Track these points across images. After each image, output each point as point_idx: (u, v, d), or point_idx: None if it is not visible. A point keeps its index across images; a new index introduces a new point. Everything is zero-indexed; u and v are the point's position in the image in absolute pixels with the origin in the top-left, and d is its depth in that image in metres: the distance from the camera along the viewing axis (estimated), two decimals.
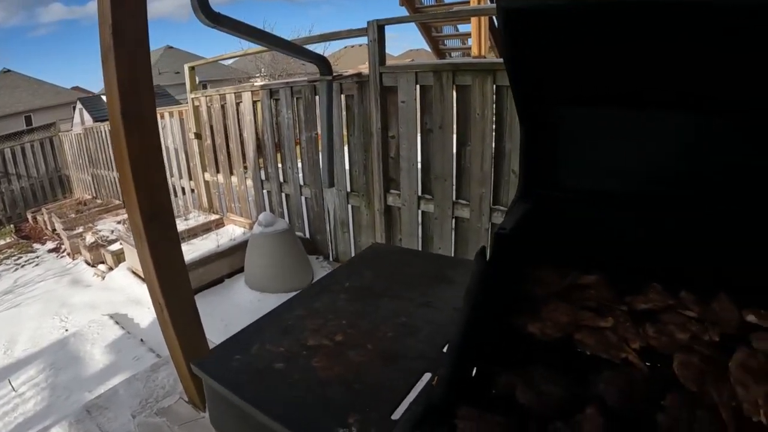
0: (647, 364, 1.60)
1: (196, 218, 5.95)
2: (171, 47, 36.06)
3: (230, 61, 28.41)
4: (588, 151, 2.10)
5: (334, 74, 4.43)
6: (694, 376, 1.47)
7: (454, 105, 3.99)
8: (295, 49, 4.22)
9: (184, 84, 6.07)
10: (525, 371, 1.37)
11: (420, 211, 4.54)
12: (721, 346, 1.71)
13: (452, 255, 4.23)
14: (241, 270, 4.86)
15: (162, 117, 6.70)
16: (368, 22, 4.07)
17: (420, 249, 4.68)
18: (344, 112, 4.67)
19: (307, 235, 5.39)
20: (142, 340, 3.98)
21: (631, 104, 1.97)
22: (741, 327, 1.84)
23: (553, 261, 1.97)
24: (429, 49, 9.98)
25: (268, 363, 1.58)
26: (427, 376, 1.47)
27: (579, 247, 2.03)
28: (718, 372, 1.53)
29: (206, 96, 5.85)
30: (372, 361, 1.60)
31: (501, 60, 4.18)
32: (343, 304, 1.92)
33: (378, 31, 4.09)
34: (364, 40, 4.20)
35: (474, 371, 1.40)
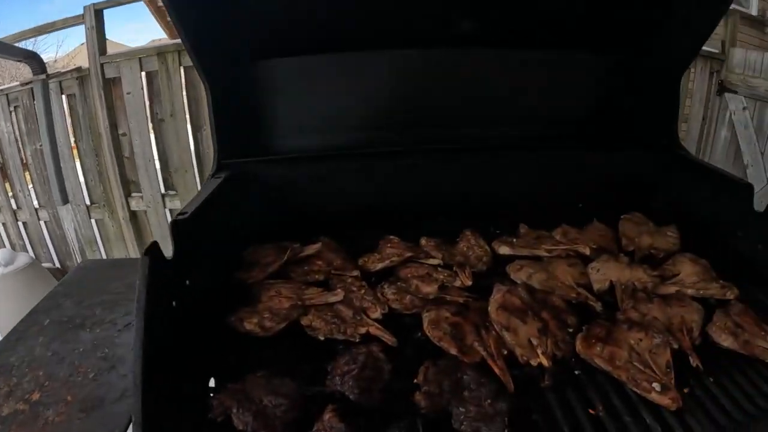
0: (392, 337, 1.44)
1: None
2: None
3: None
4: (301, 106, 1.96)
5: (49, 72, 3.85)
6: (451, 333, 1.38)
7: (184, 89, 3.82)
8: None
9: None
10: (243, 384, 1.16)
11: (167, 210, 4.28)
12: (477, 287, 1.65)
13: None
14: None
15: None
16: (84, 7, 3.64)
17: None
18: (68, 115, 4.13)
19: (57, 264, 4.78)
20: None
21: (343, 48, 1.91)
22: (496, 261, 1.82)
23: (270, 237, 1.75)
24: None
25: None
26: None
27: (298, 214, 1.86)
28: (478, 319, 1.43)
29: None
30: (71, 418, 1.34)
31: None
32: (41, 350, 1.65)
33: (96, 16, 3.68)
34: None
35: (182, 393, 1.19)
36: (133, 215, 4.34)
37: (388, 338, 1.42)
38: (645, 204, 2.26)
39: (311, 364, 1.32)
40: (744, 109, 5.47)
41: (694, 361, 1.37)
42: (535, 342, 1.39)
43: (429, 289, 1.63)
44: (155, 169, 4.15)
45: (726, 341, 1.45)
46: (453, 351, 1.33)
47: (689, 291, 1.65)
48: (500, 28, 1.98)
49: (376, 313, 1.51)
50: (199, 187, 4.03)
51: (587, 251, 1.82)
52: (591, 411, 1.24)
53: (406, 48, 1.95)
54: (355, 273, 1.70)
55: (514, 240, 1.89)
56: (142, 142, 4.07)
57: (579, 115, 2.27)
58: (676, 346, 1.42)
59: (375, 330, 1.44)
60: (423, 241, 1.86)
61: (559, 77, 2.19)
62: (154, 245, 1.14)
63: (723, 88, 5.57)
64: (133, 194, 4.29)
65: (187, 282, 1.33)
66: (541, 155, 2.10)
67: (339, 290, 1.57)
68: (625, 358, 1.34)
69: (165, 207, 4.25)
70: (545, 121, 2.22)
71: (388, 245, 1.83)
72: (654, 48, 2.17)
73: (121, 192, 4.25)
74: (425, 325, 1.43)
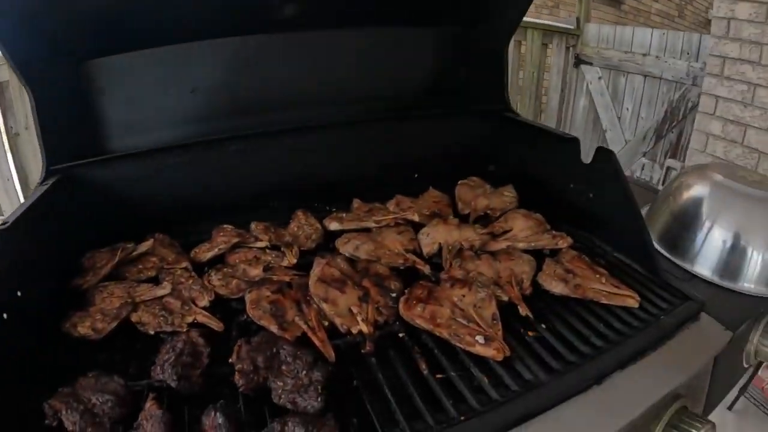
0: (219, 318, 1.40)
1: None
2: None
3: None
4: (128, 104, 1.82)
5: None
6: (271, 312, 1.34)
7: None
8: None
9: None
10: (73, 387, 1.11)
11: None
12: (306, 265, 1.54)
13: None
14: None
15: None
16: None
17: None
18: None
19: None
20: None
21: (167, 41, 1.80)
22: (328, 238, 1.73)
23: (108, 240, 1.67)
24: None
25: None
26: None
27: (133, 214, 1.78)
28: (300, 295, 1.43)
29: None
30: None
31: None
32: None
33: None
34: None
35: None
36: None
37: (214, 324, 1.36)
38: (484, 169, 2.26)
39: (140, 359, 1.27)
40: (599, 78, 5.74)
41: (523, 311, 1.35)
42: (355, 310, 1.33)
43: (256, 272, 1.57)
44: (15, 188, 3.70)
45: (557, 287, 1.44)
46: (273, 328, 1.28)
47: (520, 245, 1.63)
48: (327, 10, 1.93)
49: (204, 301, 1.45)
50: None
51: (415, 218, 1.76)
52: (421, 368, 1.20)
53: (230, 36, 1.87)
54: (184, 265, 1.62)
55: (344, 215, 1.81)
56: None
57: (414, 89, 2.26)
58: (506, 299, 1.40)
59: (202, 318, 1.38)
60: (253, 226, 1.77)
61: (390, 54, 2.16)
62: None
63: (579, 61, 5.82)
64: None
65: (19, 293, 1.24)
66: (377, 130, 2.03)
67: (166, 283, 1.50)
68: (447, 315, 1.29)
69: None
70: (379, 99, 2.18)
71: (221, 234, 1.74)
72: (479, 20, 2.19)
73: None
74: (247, 306, 1.36)
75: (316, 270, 1.46)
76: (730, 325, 1.38)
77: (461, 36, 2.24)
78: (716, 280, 1.61)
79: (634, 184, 2.30)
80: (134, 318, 1.39)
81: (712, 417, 1.37)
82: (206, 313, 1.40)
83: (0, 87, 3.44)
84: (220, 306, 1.48)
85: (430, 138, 2.12)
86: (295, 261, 1.62)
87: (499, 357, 1.18)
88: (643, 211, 1.93)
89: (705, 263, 1.65)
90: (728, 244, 1.62)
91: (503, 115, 2.16)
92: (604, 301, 1.40)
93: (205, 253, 1.68)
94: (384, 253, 1.59)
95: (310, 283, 1.43)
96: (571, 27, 5.72)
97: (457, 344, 1.23)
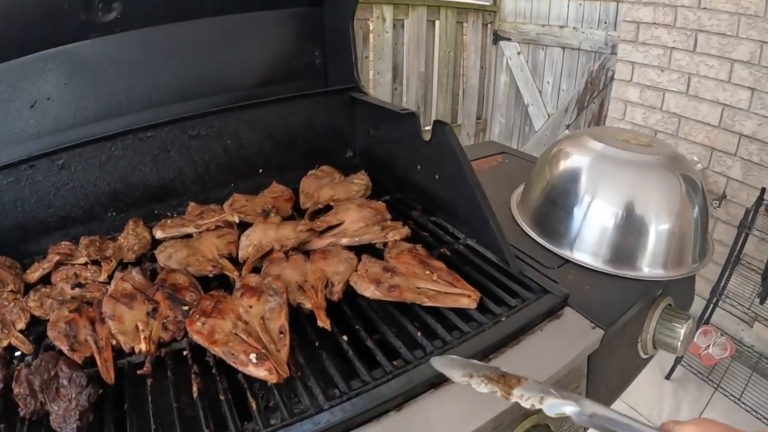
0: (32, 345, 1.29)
1: None
2: None
3: None
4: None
5: None
6: (65, 332, 1.25)
7: None
8: None
9: None
10: None
11: None
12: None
13: None
14: None
15: None
16: None
17: None
18: None
19: None
20: None
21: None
22: (155, 246, 1.56)
23: None
24: None
25: None
26: None
27: None
28: (96, 314, 1.31)
29: None
30: None
31: None
32: None
33: None
34: None
35: None
36: None
37: (24, 347, 1.29)
38: (341, 155, 2.15)
39: None
40: (518, 54, 5.69)
41: (320, 321, 1.21)
42: (141, 327, 1.22)
43: (74, 291, 1.47)
44: None
45: (366, 291, 1.29)
46: (65, 349, 1.20)
47: (344, 240, 1.50)
48: (154, 6, 1.83)
49: (21, 324, 1.38)
50: None
51: (235, 219, 1.61)
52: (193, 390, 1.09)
53: (59, 45, 1.78)
54: (10, 288, 1.51)
55: (170, 221, 1.67)
56: None
57: (260, 77, 2.14)
58: (309, 306, 1.27)
59: (15, 341, 1.31)
60: (81, 241, 1.65)
61: (230, 43, 2.05)
62: None
63: (498, 37, 5.75)
64: None
65: None
66: (212, 124, 1.89)
67: None
68: (227, 330, 1.16)
69: None
70: (222, 92, 2.05)
71: (55, 251, 1.64)
72: (328, 3, 2.11)
73: None
74: (48, 327, 1.27)
75: (111, 285, 1.35)
76: (604, 321, 1.24)
77: (308, 16, 2.14)
78: (598, 265, 1.46)
79: (526, 159, 2.23)
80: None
81: (648, 388, 1.25)
82: (20, 336, 1.33)
83: None
84: (38, 327, 1.38)
85: (269, 128, 1.98)
86: (106, 276, 1.51)
87: (273, 379, 1.05)
88: (520, 188, 1.83)
89: (584, 247, 1.50)
90: (612, 223, 1.46)
91: (352, 96, 2.03)
92: (428, 303, 1.24)
93: (32, 273, 1.58)
94: (195, 260, 1.45)
95: (104, 299, 1.31)
96: (488, 3, 5.64)
97: (232, 363, 1.10)
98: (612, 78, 4.87)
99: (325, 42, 2.21)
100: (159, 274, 1.41)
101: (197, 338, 1.17)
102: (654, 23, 3.91)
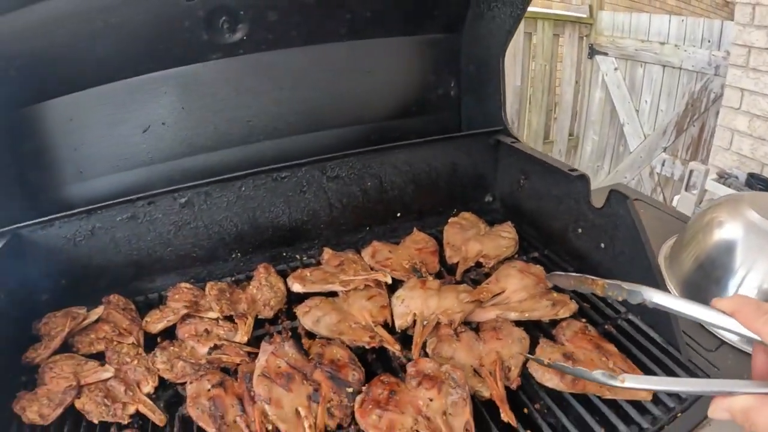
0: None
1: None
2: None
3: None
4: (77, 150, 1.69)
5: None
6: (210, 411, 1.16)
7: None
8: None
9: None
10: None
11: None
12: (260, 338, 1.36)
13: None
14: None
15: None
16: None
17: None
18: None
19: None
20: None
21: (115, 78, 1.64)
22: (291, 300, 1.55)
23: (57, 303, 1.52)
24: None
25: None
26: None
27: (85, 273, 1.62)
28: (243, 390, 1.21)
29: None
30: None
31: None
32: None
33: None
34: None
35: None
36: None
37: (156, 417, 1.20)
38: (480, 200, 2.02)
39: None
40: (615, 69, 5.45)
41: (504, 416, 1.08)
42: (302, 413, 1.10)
43: (204, 350, 1.36)
44: None
45: (549, 382, 1.16)
46: (211, 431, 1.11)
47: (512, 315, 1.35)
48: (283, 28, 1.74)
49: (148, 387, 1.29)
50: None
51: (388, 279, 1.48)
52: None
53: (179, 66, 1.71)
54: (131, 340, 1.43)
55: (309, 273, 1.54)
56: None
57: (393, 110, 2.03)
58: (487, 395, 1.14)
59: (143, 408, 1.22)
60: (207, 288, 1.53)
61: (367, 70, 1.95)
62: None
63: (594, 51, 5.52)
64: None
65: None
66: (351, 164, 1.77)
67: (107, 365, 1.33)
68: (408, 427, 1.04)
69: None
70: (354, 124, 1.97)
71: (175, 295, 1.53)
72: (462, 26, 1.98)
73: None
74: (187, 402, 1.19)
75: (261, 360, 1.22)
76: None
77: (446, 44, 2.00)
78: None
79: (656, 207, 2.05)
80: (78, 405, 1.25)
81: None
82: (149, 403, 1.25)
83: None
84: (166, 391, 1.32)
85: (413, 170, 1.86)
86: (247, 338, 1.39)
87: None
88: (666, 247, 1.68)
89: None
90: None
91: (498, 139, 1.87)
92: (609, 396, 1.13)
93: (155, 323, 1.47)
94: (348, 327, 1.33)
95: (254, 377, 1.19)
96: (584, 15, 5.42)
97: None
98: (714, 100, 4.60)
99: (460, 72, 2.07)
100: (312, 347, 1.29)
101: None
102: (767, 48, 3.64)
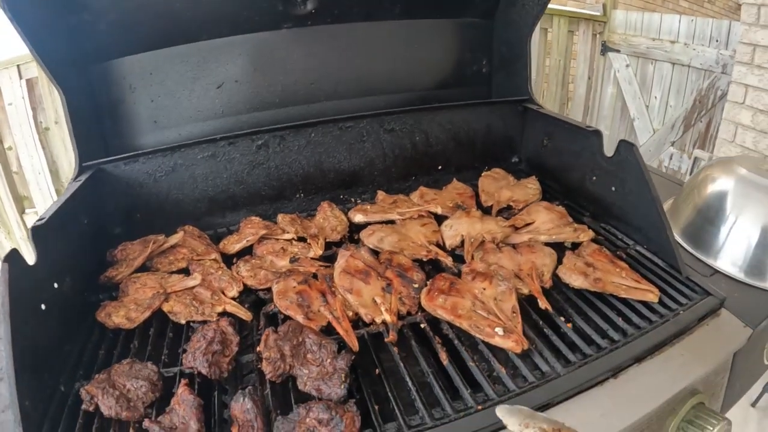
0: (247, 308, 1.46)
1: None
2: None
3: None
4: (156, 101, 1.91)
5: None
6: (297, 302, 1.38)
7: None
8: None
9: None
10: (108, 373, 1.18)
11: None
12: (331, 257, 1.62)
13: None
14: None
15: None
16: None
17: None
18: None
19: None
20: None
21: (191, 39, 1.87)
22: (352, 229, 1.78)
23: (137, 233, 1.75)
24: None
25: None
26: None
27: (162, 208, 1.86)
28: (325, 286, 1.46)
29: None
30: None
31: None
32: None
33: None
34: None
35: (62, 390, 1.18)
36: None
37: (243, 314, 1.41)
38: (507, 160, 2.30)
39: (172, 347, 1.34)
40: (627, 66, 5.67)
41: (542, 304, 1.37)
42: (378, 300, 1.36)
43: (282, 263, 1.61)
44: (46, 182, 3.84)
45: (576, 281, 1.45)
46: (299, 318, 1.31)
47: (542, 237, 1.65)
48: (349, 4, 1.99)
49: (233, 291, 1.50)
50: None
51: (438, 210, 1.79)
52: (442, 358, 1.23)
53: (255, 32, 1.94)
54: (213, 256, 1.66)
55: (369, 207, 1.84)
56: (29, 155, 3.71)
57: (436, 80, 2.30)
58: (526, 291, 1.42)
59: (231, 308, 1.42)
60: (279, 218, 1.82)
61: (412, 46, 2.21)
62: (13, 253, 1.10)
63: (606, 48, 5.75)
64: (27, 211, 3.92)
65: (56, 285, 1.29)
66: (402, 121, 2.05)
67: (196, 274, 1.54)
68: (468, 307, 1.32)
69: None
70: (402, 91, 2.23)
71: (248, 226, 1.79)
72: (498, 12, 2.27)
73: (14, 210, 3.88)
74: (274, 296, 1.40)
75: (340, 261, 1.50)
76: (751, 322, 1.37)
77: (481, 27, 2.28)
78: (740, 276, 1.59)
79: (659, 175, 2.31)
80: (166, 308, 1.44)
81: (733, 413, 1.38)
82: (235, 303, 1.45)
83: (30, 83, 3.54)
84: (248, 296, 1.53)
85: (454, 129, 2.15)
86: (321, 252, 1.66)
87: (518, 349, 1.21)
88: (668, 204, 1.93)
89: (728, 259, 1.64)
90: (753, 240, 1.60)
91: (526, 106, 2.16)
92: (623, 295, 1.41)
93: (233, 244, 1.72)
94: (407, 245, 1.62)
95: (334, 274, 1.46)
96: (598, 13, 5.65)
97: (477, 335, 1.25)
98: (721, 97, 4.82)
99: (492, 52, 2.36)
100: (381, 254, 1.57)
101: (441, 312, 1.32)
102: None
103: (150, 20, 1.73)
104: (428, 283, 1.42)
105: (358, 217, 1.80)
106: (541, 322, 1.34)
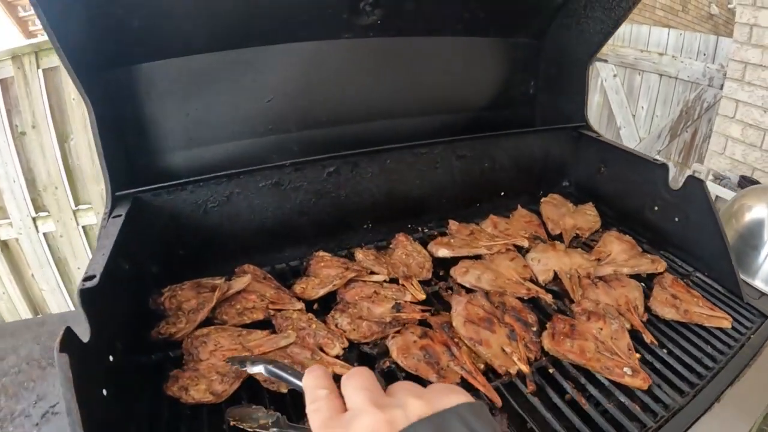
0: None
1: None
2: None
3: None
4: (195, 115, 1.70)
5: None
6: (425, 359, 1.30)
7: (44, 95, 3.40)
8: None
9: None
10: None
11: (41, 235, 3.86)
12: (426, 298, 1.56)
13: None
14: None
15: None
16: None
17: (58, 277, 4.09)
18: None
19: None
20: None
21: (236, 45, 1.68)
22: (437, 265, 1.74)
23: (182, 274, 1.52)
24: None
25: None
26: None
27: (207, 243, 1.66)
28: (445, 337, 1.39)
29: None
30: None
31: None
32: None
33: None
34: None
35: None
36: (5, 245, 3.74)
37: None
38: (558, 184, 2.36)
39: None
40: (614, 76, 5.84)
41: (648, 338, 1.44)
42: (508, 350, 1.35)
43: (381, 310, 1.46)
44: (22, 191, 3.62)
45: (669, 314, 1.53)
46: (432, 377, 1.24)
47: (624, 269, 1.71)
48: (411, 18, 1.90)
49: (335, 349, 1.33)
50: (72, 205, 3.72)
51: (525, 243, 1.81)
52: (582, 402, 1.26)
53: (310, 40, 1.78)
54: (299, 306, 1.48)
55: (451, 240, 1.85)
56: (3, 161, 3.48)
57: (486, 101, 2.31)
58: (628, 326, 1.48)
59: (339, 369, 1.26)
60: (359, 255, 1.68)
61: (470, 65, 2.21)
62: (68, 334, 0.86)
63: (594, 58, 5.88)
64: (0, 221, 3.69)
65: (111, 358, 1.07)
66: (454, 145, 2.03)
67: (289, 331, 1.36)
68: (593, 349, 1.36)
69: (38, 231, 3.73)
70: (457, 111, 2.24)
71: (321, 264, 1.61)
72: (550, 39, 2.30)
73: None
74: (394, 354, 1.31)
75: (459, 309, 1.45)
76: None
77: (531, 48, 2.32)
78: None
79: None
80: (259, 376, 1.18)
81: None
82: (342, 363, 1.29)
83: (4, 84, 3.36)
84: (350, 352, 1.37)
85: (517, 154, 2.17)
86: (423, 296, 1.55)
87: (645, 386, 1.27)
88: None
89: None
90: None
91: (581, 132, 2.22)
92: (706, 324, 1.50)
93: (314, 289, 1.52)
94: (504, 282, 1.62)
95: (456, 324, 1.41)
96: None
97: (607, 377, 1.30)
98: (707, 109, 5.02)
99: (539, 73, 2.39)
100: (490, 296, 1.55)
101: (572, 357, 1.35)
102: (761, 65, 4.09)
103: (192, 19, 1.51)
104: (547, 326, 1.44)
105: (442, 252, 1.75)
106: (645, 356, 1.40)
